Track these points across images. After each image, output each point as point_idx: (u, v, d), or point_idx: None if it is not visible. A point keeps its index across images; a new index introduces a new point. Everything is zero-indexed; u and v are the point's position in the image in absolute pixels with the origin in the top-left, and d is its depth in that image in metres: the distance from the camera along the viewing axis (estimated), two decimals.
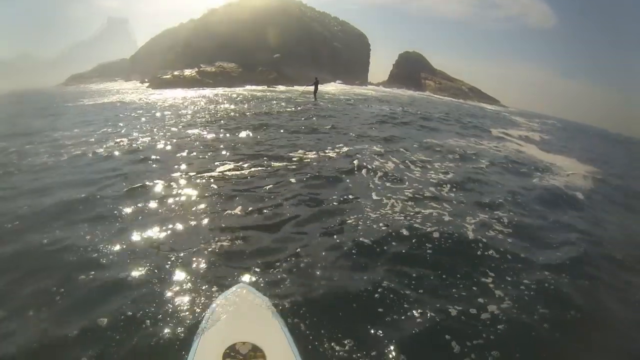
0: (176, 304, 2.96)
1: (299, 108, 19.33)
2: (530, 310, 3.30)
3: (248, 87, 49.18)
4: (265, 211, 5.11)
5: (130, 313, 2.84)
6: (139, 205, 5.14)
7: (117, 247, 3.93)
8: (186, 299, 3.03)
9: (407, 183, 6.60)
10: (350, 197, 5.78)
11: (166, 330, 2.64)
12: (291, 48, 75.74)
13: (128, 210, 4.97)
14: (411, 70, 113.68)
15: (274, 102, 23.53)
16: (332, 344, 2.60)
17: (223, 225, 4.64)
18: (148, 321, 2.75)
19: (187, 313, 2.82)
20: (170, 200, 5.36)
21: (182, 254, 3.79)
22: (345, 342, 2.65)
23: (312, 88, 26.89)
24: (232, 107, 20.03)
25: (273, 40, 73.94)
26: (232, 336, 2.01)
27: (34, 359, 2.47)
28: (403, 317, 3.02)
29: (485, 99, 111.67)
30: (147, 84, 59.34)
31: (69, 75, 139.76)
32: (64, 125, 13.31)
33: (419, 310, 3.10)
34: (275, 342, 2.00)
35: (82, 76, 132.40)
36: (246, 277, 3.38)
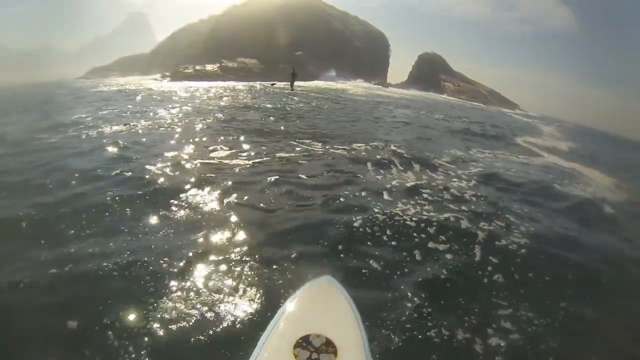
0: (256, 289, 3.06)
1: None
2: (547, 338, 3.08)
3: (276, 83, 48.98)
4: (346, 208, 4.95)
5: (209, 292, 2.97)
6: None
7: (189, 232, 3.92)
8: (268, 284, 3.12)
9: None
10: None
11: (242, 314, 2.76)
12: (312, 46, 75.46)
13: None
14: (430, 71, 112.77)
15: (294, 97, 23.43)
16: (405, 348, 2.61)
17: (304, 215, 4.58)
18: (226, 303, 2.87)
19: (267, 298, 2.92)
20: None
21: (271, 239, 3.86)
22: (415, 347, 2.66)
23: (290, 81, 28.99)
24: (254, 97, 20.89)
25: (294, 37, 73.70)
26: (307, 326, 1.98)
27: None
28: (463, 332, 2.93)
29: (504, 103, 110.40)
30: (168, 78, 59.54)
31: (89, 69, 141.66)
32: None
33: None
34: (349, 339, 1.95)
35: (102, 69, 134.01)
36: (332, 270, 3.25)
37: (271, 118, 12.71)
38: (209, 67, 58.43)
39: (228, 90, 27.36)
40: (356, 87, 54.93)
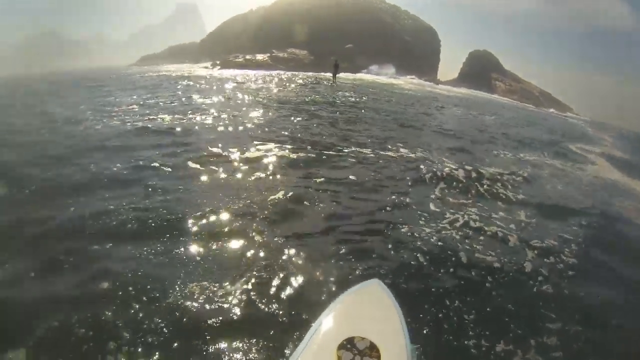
0: (304, 288, 3.02)
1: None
2: None
3: (322, 74, 48.55)
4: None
5: (258, 287, 2.96)
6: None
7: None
8: (317, 284, 3.10)
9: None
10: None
11: (290, 311, 2.72)
12: (362, 39, 74.34)
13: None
14: (481, 69, 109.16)
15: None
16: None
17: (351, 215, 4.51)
18: (274, 299, 2.85)
19: (315, 298, 2.89)
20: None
21: (316, 241, 3.84)
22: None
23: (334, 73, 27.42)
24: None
25: (344, 30, 72.83)
26: (353, 329, 1.98)
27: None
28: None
29: (556, 105, 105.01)
30: (218, 67, 60.13)
31: (139, 57, 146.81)
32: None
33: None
34: (393, 345, 1.92)
35: (153, 57, 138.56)
36: (380, 274, 3.31)
37: (322, 112, 12.42)
38: (259, 56, 58.63)
39: (277, 79, 27.96)
40: (407, 83, 53.36)
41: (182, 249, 3.45)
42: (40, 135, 7.71)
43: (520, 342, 2.86)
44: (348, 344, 1.89)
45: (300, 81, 27.58)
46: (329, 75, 31.27)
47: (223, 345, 2.46)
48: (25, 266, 3.07)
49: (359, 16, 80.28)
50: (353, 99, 17.63)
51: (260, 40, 70.77)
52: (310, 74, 45.11)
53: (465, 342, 2.75)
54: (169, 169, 5.56)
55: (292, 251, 3.58)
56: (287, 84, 22.97)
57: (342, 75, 46.66)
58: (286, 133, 8.49)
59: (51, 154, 6.30)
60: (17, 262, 3.16)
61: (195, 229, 3.80)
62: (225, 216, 4.13)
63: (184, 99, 13.78)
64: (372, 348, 1.87)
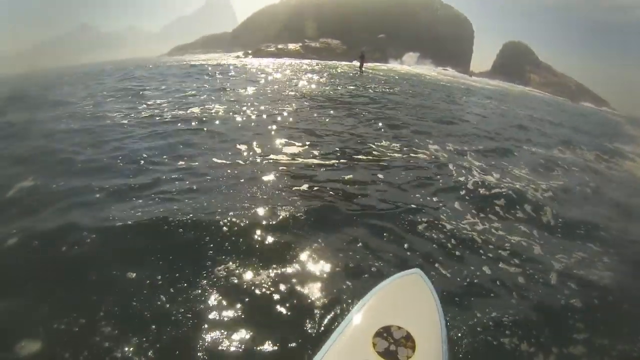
0: (345, 274, 3.04)
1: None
2: None
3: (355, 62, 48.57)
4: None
5: (298, 271, 3.03)
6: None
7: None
8: (357, 270, 3.10)
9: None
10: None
11: (329, 297, 2.74)
12: (395, 29, 73.54)
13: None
14: (515, 61, 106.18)
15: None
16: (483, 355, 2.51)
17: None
18: (313, 284, 2.89)
19: (355, 284, 2.88)
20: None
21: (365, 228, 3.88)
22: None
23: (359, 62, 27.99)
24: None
25: (377, 20, 72.26)
26: (390, 317, 2.01)
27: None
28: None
29: (593, 99, 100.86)
30: (250, 55, 61.07)
31: (172, 47, 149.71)
32: None
33: None
34: (430, 337, 1.96)
35: (185, 47, 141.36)
36: (422, 264, 3.29)
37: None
38: (291, 46, 59.17)
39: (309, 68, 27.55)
40: (439, 74, 52.65)
41: (209, 244, 3.33)
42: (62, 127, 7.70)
43: (547, 347, 2.76)
44: (384, 332, 1.92)
45: (333, 71, 27.47)
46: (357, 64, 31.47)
47: (255, 331, 2.43)
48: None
49: (391, 6, 79.29)
50: (381, 90, 17.27)
51: (293, 30, 71.09)
52: (343, 62, 45.15)
53: (501, 343, 2.68)
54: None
55: (328, 244, 3.50)
56: (318, 75, 22.53)
57: (373, 65, 46.77)
58: (312, 127, 8.32)
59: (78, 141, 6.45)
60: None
61: (221, 227, 3.59)
62: (254, 213, 3.93)
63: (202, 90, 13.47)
64: (408, 338, 1.90)
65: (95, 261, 3.02)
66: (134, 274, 2.83)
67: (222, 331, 2.40)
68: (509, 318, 2.85)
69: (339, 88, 16.34)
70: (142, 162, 5.38)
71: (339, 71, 28.46)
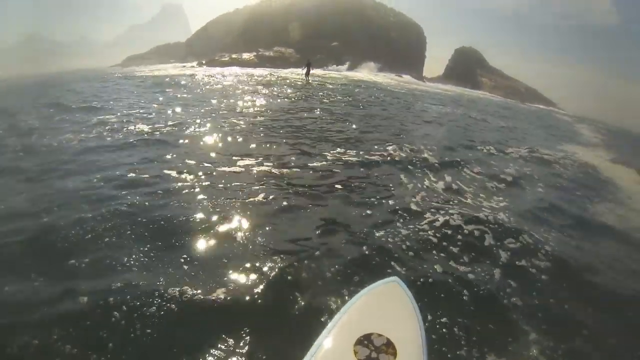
0: (323, 284, 3.06)
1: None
2: None
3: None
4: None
5: (275, 283, 3.00)
6: None
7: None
8: (335, 280, 3.12)
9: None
10: None
11: (307, 307, 2.77)
12: (349, 37, 74.53)
13: None
14: (467, 66, 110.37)
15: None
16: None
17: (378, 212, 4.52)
18: (291, 294, 2.89)
19: (333, 294, 2.92)
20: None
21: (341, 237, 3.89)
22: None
23: (305, 70, 28.52)
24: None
25: (330, 28, 73.00)
26: (370, 325, 2.01)
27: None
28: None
29: (541, 100, 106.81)
30: (204, 65, 59.92)
31: (125, 57, 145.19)
32: None
33: None
34: (410, 343, 1.95)
35: (138, 57, 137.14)
36: (398, 272, 3.35)
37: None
38: (245, 55, 58.61)
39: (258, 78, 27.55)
40: (392, 80, 53.70)
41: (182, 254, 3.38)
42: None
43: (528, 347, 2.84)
44: (365, 340, 1.93)
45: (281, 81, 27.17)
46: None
47: (237, 341, 2.46)
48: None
49: (345, 14, 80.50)
50: (328, 100, 17.07)
51: (247, 40, 70.62)
52: (299, 70, 44.98)
53: (478, 347, 2.73)
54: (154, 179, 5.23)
55: (303, 252, 3.52)
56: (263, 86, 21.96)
57: (324, 72, 47.15)
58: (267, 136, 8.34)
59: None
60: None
61: (196, 238, 3.64)
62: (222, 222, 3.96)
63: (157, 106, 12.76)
64: (389, 345, 1.92)
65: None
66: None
67: (200, 339, 2.44)
68: (489, 323, 2.93)
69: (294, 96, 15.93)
70: None
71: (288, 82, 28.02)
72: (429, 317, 2.83)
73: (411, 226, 4.35)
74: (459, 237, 4.27)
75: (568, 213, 6.06)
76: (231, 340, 2.46)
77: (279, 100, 15.21)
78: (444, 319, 2.86)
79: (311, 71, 29.91)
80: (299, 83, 25.93)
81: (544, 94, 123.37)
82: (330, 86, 25.64)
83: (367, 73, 60.45)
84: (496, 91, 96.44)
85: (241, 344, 2.44)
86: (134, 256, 3.28)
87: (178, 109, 11.41)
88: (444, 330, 2.77)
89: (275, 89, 20.33)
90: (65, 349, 2.32)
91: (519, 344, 2.81)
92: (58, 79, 30.15)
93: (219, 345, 2.42)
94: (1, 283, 2.87)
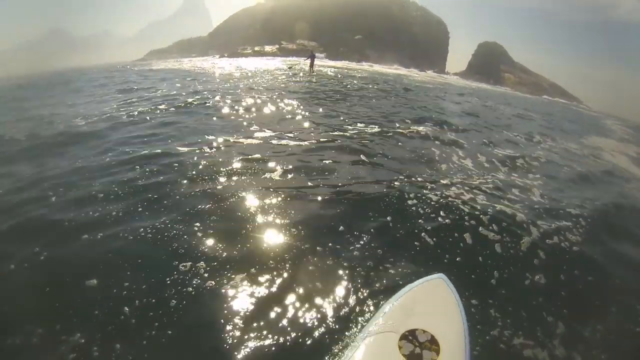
0: (369, 278, 2.94)
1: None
2: None
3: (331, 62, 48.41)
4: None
5: (320, 276, 2.89)
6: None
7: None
8: (381, 275, 3.00)
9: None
10: None
11: (353, 302, 2.67)
12: (372, 30, 73.97)
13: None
14: (490, 62, 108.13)
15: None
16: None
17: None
18: (338, 289, 2.79)
19: (379, 289, 2.81)
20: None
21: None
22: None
23: (309, 61, 26.04)
24: None
25: (353, 21, 72.55)
26: (416, 321, 2.03)
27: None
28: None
29: (566, 96, 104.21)
30: (226, 57, 60.32)
31: (147, 52, 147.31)
32: None
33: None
34: (454, 340, 1.98)
35: (161, 51, 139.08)
36: (445, 270, 2.94)
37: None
38: (267, 48, 58.81)
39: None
40: (415, 74, 53.00)
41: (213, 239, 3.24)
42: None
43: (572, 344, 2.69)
44: (410, 335, 1.95)
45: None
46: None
47: (284, 336, 2.37)
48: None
49: (368, 8, 79.87)
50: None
51: (269, 32, 70.71)
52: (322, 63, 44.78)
53: (523, 346, 2.60)
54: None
55: (347, 248, 3.36)
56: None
57: (345, 64, 46.87)
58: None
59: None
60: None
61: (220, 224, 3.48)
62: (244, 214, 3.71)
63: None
64: (433, 342, 1.94)
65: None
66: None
67: (246, 334, 2.34)
68: (533, 322, 2.78)
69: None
70: None
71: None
72: (475, 315, 2.69)
73: (452, 216, 4.08)
74: (501, 231, 3.93)
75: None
76: (274, 333, 2.35)
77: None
78: (489, 317, 2.75)
79: (316, 63, 28.38)
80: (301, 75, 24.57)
81: (568, 90, 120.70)
82: (355, 78, 25.06)
83: (389, 67, 59.96)
84: (520, 87, 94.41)
85: (285, 337, 2.34)
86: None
87: (217, 93, 11.41)
88: (487, 327, 2.64)
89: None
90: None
91: (569, 344, 2.64)
92: (88, 71, 30.68)
93: (262, 337, 2.32)
94: (10, 256, 2.87)
